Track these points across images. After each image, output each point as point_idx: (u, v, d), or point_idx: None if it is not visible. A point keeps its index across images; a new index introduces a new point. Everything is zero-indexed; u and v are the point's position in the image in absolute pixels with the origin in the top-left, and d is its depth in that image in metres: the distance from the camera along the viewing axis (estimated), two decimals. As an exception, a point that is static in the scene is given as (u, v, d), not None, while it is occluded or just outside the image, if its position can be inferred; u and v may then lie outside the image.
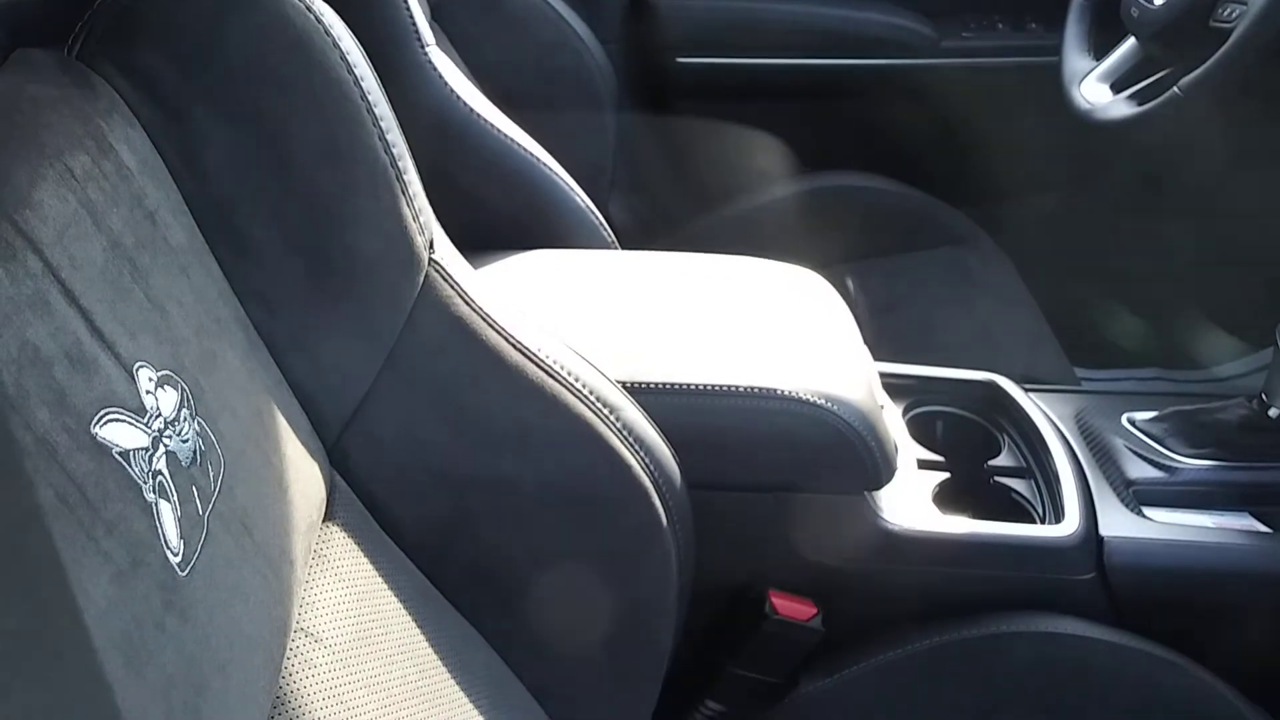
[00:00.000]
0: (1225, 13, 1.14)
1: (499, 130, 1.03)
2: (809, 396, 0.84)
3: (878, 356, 1.00)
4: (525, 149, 1.05)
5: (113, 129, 0.53)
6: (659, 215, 1.71)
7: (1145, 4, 1.23)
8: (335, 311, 0.64)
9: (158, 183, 0.55)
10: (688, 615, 0.82)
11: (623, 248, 1.63)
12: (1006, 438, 1.03)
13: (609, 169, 1.52)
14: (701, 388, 0.85)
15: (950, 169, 1.65)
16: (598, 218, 1.08)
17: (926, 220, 1.60)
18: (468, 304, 0.71)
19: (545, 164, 1.05)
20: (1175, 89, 1.15)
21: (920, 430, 1.03)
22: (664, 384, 0.85)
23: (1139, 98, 1.24)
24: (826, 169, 1.65)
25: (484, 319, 0.71)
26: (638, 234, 1.65)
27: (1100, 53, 1.37)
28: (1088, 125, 1.29)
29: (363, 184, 0.64)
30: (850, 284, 1.50)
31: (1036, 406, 1.04)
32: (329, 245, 0.63)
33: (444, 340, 0.69)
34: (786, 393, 0.84)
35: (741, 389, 0.85)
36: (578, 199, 1.07)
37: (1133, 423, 1.02)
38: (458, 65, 1.34)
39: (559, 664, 0.75)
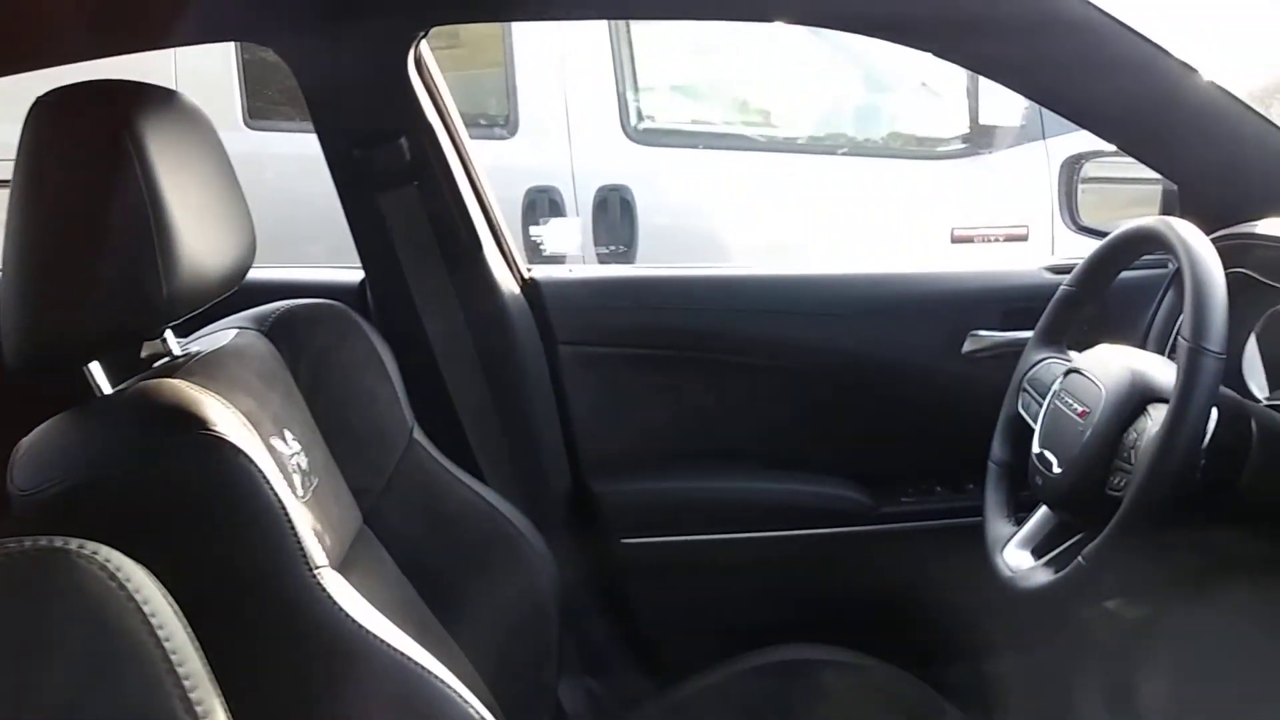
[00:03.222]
0: (1117, 480, 1.16)
1: (392, 648, 1.02)
2: None
3: None
4: (423, 667, 1.03)
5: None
6: (613, 696, 1.66)
7: (1047, 472, 1.26)
8: None
9: None
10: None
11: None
12: None
13: (554, 655, 1.50)
14: None
15: (904, 636, 1.62)
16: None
17: (885, 692, 1.55)
18: None
19: (442, 681, 1.04)
20: (1079, 559, 1.15)
21: None
22: None
23: (1056, 564, 1.24)
24: (777, 641, 1.63)
25: None
26: (593, 718, 1.60)
27: (1022, 518, 1.38)
28: (1010, 595, 1.27)
29: None
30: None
31: None
32: None
33: None
34: None
35: None
36: (473, 713, 1.04)
37: None
38: (388, 572, 1.37)
39: None
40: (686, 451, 1.71)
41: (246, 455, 0.98)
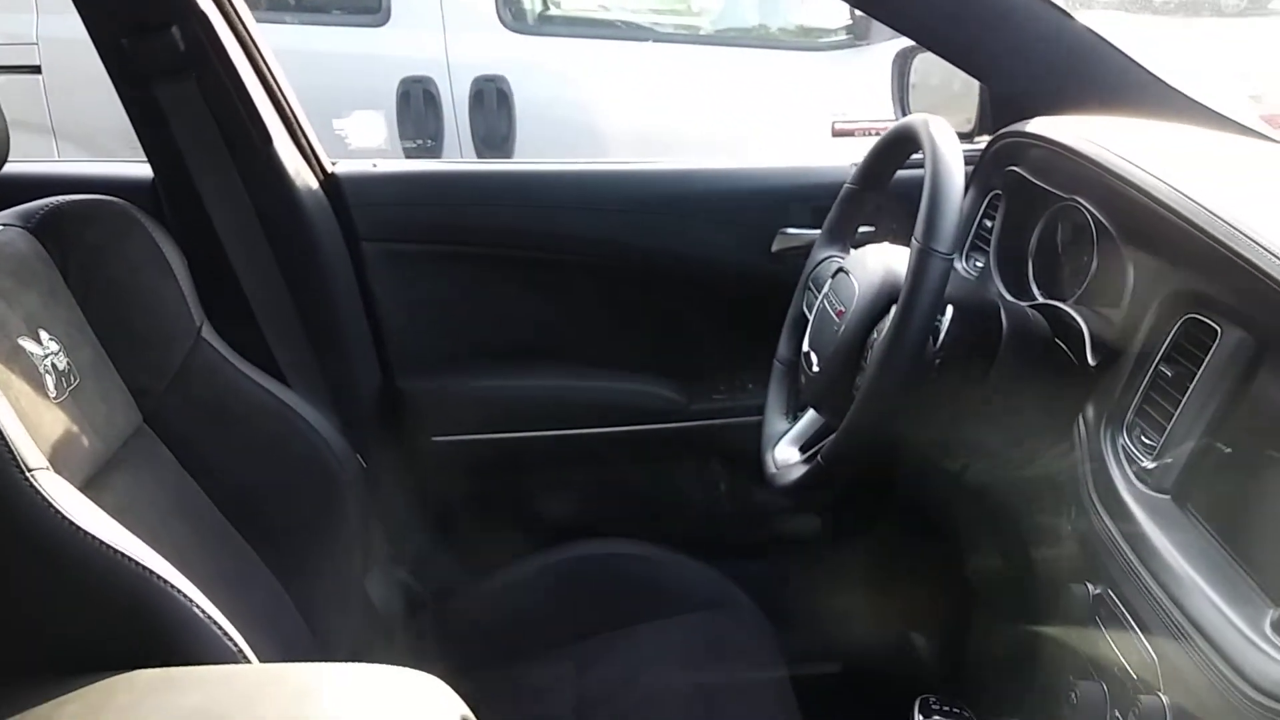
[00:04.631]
0: (859, 380, 1.17)
1: (113, 549, 1.02)
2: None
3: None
4: (145, 567, 1.03)
5: None
6: (425, 586, 1.68)
7: (809, 371, 1.27)
8: None
9: None
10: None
11: (387, 626, 1.60)
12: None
13: (356, 550, 1.51)
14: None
15: (706, 529, 1.64)
16: (221, 628, 1.05)
17: (681, 583, 1.58)
18: None
19: (164, 580, 1.03)
20: (819, 458, 1.16)
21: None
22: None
23: (810, 461, 1.25)
24: (588, 536, 1.65)
25: None
26: (403, 607, 1.63)
27: (800, 415, 1.40)
28: (771, 490, 1.29)
29: None
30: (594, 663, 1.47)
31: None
32: None
33: None
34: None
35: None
36: (197, 611, 1.04)
37: None
38: (168, 472, 1.36)
39: None
40: (497, 349, 1.70)
41: None
